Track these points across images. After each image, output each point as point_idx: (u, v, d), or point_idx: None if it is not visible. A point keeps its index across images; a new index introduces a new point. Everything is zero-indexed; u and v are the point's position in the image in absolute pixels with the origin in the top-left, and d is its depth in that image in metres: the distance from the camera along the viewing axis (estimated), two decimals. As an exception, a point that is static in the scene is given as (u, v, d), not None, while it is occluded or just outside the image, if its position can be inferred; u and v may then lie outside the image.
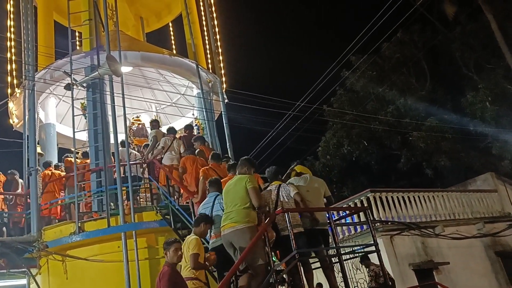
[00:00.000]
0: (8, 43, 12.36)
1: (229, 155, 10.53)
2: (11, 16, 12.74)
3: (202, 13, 14.23)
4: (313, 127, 17.68)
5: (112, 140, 10.08)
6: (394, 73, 21.37)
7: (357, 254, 7.24)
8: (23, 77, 11.00)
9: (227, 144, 11.62)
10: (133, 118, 13.06)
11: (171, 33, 16.94)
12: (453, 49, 20.72)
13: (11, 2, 12.76)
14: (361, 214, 11.40)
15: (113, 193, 9.13)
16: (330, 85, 17.49)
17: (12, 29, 12.53)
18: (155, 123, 10.78)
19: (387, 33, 16.71)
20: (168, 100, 13.95)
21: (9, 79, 12.05)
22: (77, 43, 13.35)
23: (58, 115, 13.18)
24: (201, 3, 14.16)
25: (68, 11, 10.71)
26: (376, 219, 11.50)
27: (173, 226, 8.17)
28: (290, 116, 14.52)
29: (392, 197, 12.27)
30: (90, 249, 8.73)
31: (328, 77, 15.72)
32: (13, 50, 12.14)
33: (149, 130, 12.56)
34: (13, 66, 11.97)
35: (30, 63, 10.39)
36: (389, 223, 11.62)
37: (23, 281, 9.23)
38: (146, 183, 10.04)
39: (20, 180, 10.54)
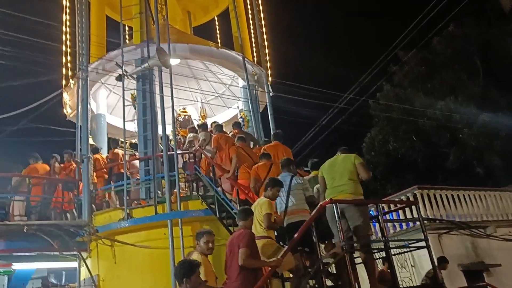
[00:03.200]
0: (64, 37, 12.93)
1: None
2: (67, 10, 13.28)
3: (249, 6, 14.29)
4: (359, 122, 17.36)
5: (160, 130, 10.33)
6: (444, 68, 20.61)
7: (406, 249, 7.05)
8: (77, 68, 11.46)
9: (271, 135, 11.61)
10: (180, 109, 13.30)
11: (217, 26, 17.15)
12: (509, 44, 19.72)
13: (67, -3, 13.29)
14: (408, 211, 11.15)
15: (160, 181, 9.37)
16: (377, 80, 17.08)
17: (67, 23, 13.07)
18: (204, 126, 10.97)
19: (437, 27, 16.13)
20: (214, 92, 14.10)
21: (63, 71, 12.60)
22: (127, 36, 13.79)
23: (109, 106, 13.64)
24: (248, -3, 14.22)
25: (120, 5, 11.05)
26: (424, 216, 11.13)
27: (218, 215, 8.26)
28: (336, 109, 14.29)
29: (440, 195, 11.85)
30: (138, 235, 9.00)
31: (374, 71, 15.37)
32: (68, 43, 12.67)
33: (195, 122, 12.82)
34: (68, 58, 12.50)
35: (84, 54, 10.78)
36: (437, 221, 11.23)
37: (74, 264, 9.58)
38: (190, 173, 10.17)
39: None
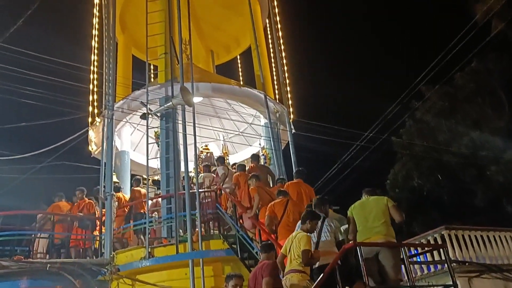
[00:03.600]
0: (91, 76, 13.37)
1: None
2: (95, 51, 13.79)
3: (270, 45, 14.58)
4: (381, 159, 17.15)
5: (182, 168, 10.38)
6: (467, 103, 20.36)
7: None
8: (103, 107, 11.77)
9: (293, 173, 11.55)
10: (202, 146, 13.41)
11: (239, 64, 17.51)
12: (534, 78, 19.45)
13: (96, 39, 13.83)
14: (435, 252, 10.77)
15: (182, 220, 9.33)
16: (399, 116, 16.95)
17: (95, 63, 13.55)
18: (221, 159, 11.05)
19: (460, 64, 16.07)
20: (236, 130, 14.21)
21: (90, 109, 12.95)
22: (152, 75, 14.16)
23: (132, 143, 13.87)
24: (270, 36, 14.54)
25: (146, 46, 11.39)
26: (452, 258, 10.72)
27: (239, 256, 8.14)
28: (358, 147, 14.20)
29: (469, 235, 11.43)
30: (159, 274, 8.90)
31: (397, 108, 15.28)
32: (95, 82, 13.09)
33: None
34: (95, 97, 12.87)
35: (110, 94, 11.08)
36: (467, 263, 10.80)
37: (96, 303, 9.51)
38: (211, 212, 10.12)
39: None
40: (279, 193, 7.61)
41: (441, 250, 9.25)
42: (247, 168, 10.19)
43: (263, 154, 12.41)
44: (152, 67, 14.75)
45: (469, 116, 19.96)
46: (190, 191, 9.71)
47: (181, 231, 9.34)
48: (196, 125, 10.26)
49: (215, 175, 10.80)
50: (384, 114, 14.54)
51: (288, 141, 12.38)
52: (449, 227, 11.41)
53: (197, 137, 10.44)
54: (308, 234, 5.63)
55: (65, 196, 10.74)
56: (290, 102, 13.31)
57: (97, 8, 14.25)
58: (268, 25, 15.28)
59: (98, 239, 10.27)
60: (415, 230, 18.90)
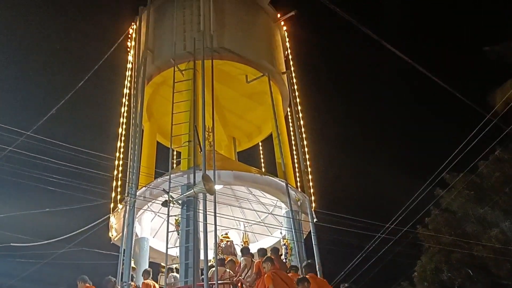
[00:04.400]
0: (116, 162, 13.68)
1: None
2: (122, 138, 14.25)
3: (292, 133, 14.84)
4: (407, 250, 16.43)
5: (202, 257, 10.14)
6: (494, 192, 19.79)
7: None
8: (126, 193, 11.87)
9: (316, 265, 11.10)
10: (222, 235, 13.19)
11: (261, 151, 17.76)
12: None
13: (123, 126, 14.37)
14: None
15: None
16: (424, 205, 16.52)
17: (121, 150, 13.93)
18: (246, 250, 10.82)
19: (483, 152, 15.93)
20: (257, 218, 14.04)
21: (113, 194, 13.07)
22: (175, 162, 14.43)
23: (152, 229, 13.76)
24: (291, 124, 14.86)
25: (171, 134, 11.76)
26: None
27: None
28: (380, 238, 13.70)
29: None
30: None
31: (421, 196, 14.94)
32: (120, 168, 13.35)
33: (237, 247, 12.60)
34: (118, 183, 13.05)
35: (134, 181, 11.24)
36: None
37: None
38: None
39: None
40: (301, 281, 7.51)
41: None
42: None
43: (284, 244, 12.08)
44: (175, 152, 15.12)
45: (497, 206, 19.30)
46: (209, 282, 9.40)
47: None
48: (217, 214, 10.19)
49: (228, 268, 10.43)
50: (407, 203, 14.20)
51: (310, 231, 12.10)
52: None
53: (217, 226, 10.32)
54: None
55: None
56: (311, 190, 13.21)
57: (127, 98, 14.99)
58: (289, 114, 15.70)
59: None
60: (448, 329, 17.54)
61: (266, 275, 8.16)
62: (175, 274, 10.95)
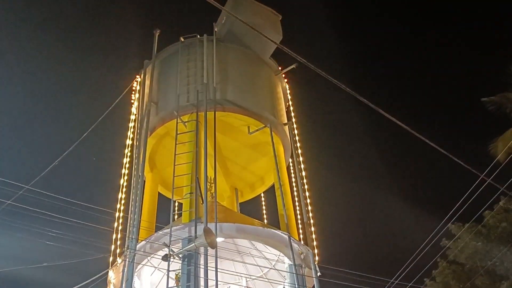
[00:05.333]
0: (117, 214, 13.52)
1: None
2: (123, 189, 14.17)
3: (294, 184, 14.77)
4: (416, 306, 15.82)
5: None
6: (502, 243, 19.36)
7: None
8: (126, 247, 11.64)
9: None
10: (224, 289, 12.82)
11: (263, 201, 17.61)
12: None
13: (125, 177, 14.32)
14: None
15: None
16: (430, 257, 16.10)
17: (121, 201, 13.80)
18: None
19: (487, 203, 15.72)
20: (259, 272, 13.67)
21: (112, 247, 12.81)
22: (176, 214, 14.26)
23: (152, 283, 13.40)
24: (293, 175, 14.81)
25: (172, 186, 11.70)
26: None
27: None
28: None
29: None
30: None
31: (427, 247, 14.60)
32: (120, 220, 13.17)
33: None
34: (118, 235, 12.83)
35: (134, 235, 11.06)
36: None
37: None
38: None
39: None
40: None
41: None
42: None
43: (287, 300, 11.70)
44: (176, 204, 14.97)
45: (506, 257, 18.82)
46: None
47: None
48: (218, 269, 9.93)
49: None
50: (412, 256, 13.84)
51: (313, 285, 11.74)
52: None
53: (219, 281, 10.03)
54: None
55: None
56: (314, 243, 12.95)
57: (129, 149, 15.05)
58: (291, 165, 15.69)
59: None
60: None
61: None
62: None
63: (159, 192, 15.65)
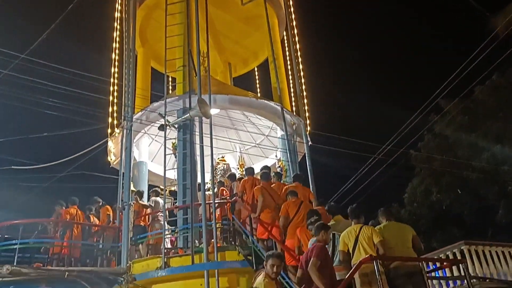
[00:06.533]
0: (111, 88, 13.61)
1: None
2: (115, 64, 14.05)
3: (288, 57, 14.66)
4: (399, 173, 16.92)
5: (199, 179, 10.46)
6: (488, 118, 19.98)
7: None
8: (122, 118, 11.96)
9: (310, 186, 11.50)
10: (219, 158, 13.48)
11: (257, 76, 17.64)
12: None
13: (116, 52, 14.11)
14: (455, 268, 10.52)
15: (198, 230, 9.38)
16: (418, 130, 16.73)
17: (115, 75, 13.80)
18: (233, 177, 11.21)
19: (479, 77, 15.83)
20: (252, 141, 14.26)
21: (110, 120, 13.16)
22: (170, 87, 14.36)
23: (150, 153, 14.03)
24: (287, 49, 14.63)
25: (165, 58, 11.59)
26: (472, 274, 10.44)
27: (254, 268, 8.11)
28: (375, 160, 14.03)
29: (490, 251, 11.12)
30: (174, 284, 8.95)
31: (415, 121, 15.10)
32: (115, 94, 13.31)
33: (233, 170, 12.94)
34: (114, 108, 13.08)
35: (129, 105, 11.27)
36: (487, 280, 10.49)
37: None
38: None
39: None
40: (291, 194, 8.17)
41: (460, 265, 9.14)
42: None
43: (279, 166, 12.41)
44: (170, 79, 14.99)
45: (490, 131, 19.58)
46: (207, 202, 9.78)
47: (197, 241, 9.38)
48: (213, 136, 10.35)
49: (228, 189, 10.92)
50: (402, 127, 14.37)
51: (305, 153, 12.37)
52: (469, 242, 11.10)
53: (213, 149, 10.51)
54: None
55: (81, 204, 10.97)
56: (307, 114, 13.30)
57: (118, 22, 14.57)
58: (285, 38, 15.39)
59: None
60: (434, 246, 18.52)
61: (255, 187, 8.81)
62: (157, 198, 11.25)
63: (152, 69, 15.57)
